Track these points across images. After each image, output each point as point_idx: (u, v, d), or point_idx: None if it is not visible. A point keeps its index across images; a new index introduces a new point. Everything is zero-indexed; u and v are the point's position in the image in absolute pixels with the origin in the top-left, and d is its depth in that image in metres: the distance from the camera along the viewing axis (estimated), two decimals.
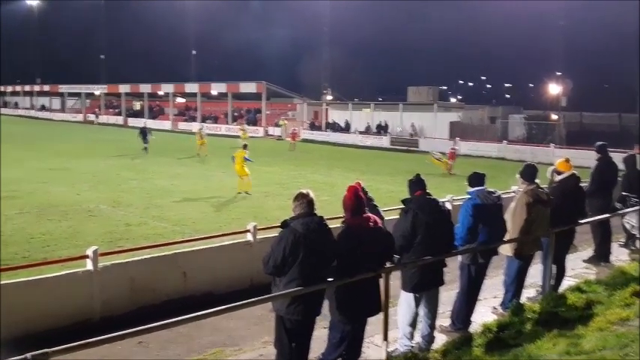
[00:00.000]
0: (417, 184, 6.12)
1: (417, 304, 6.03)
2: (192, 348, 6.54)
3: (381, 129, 46.18)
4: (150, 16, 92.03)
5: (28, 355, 3.55)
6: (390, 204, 9.97)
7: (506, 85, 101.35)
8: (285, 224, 5.09)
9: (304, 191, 5.21)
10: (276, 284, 5.10)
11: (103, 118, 65.04)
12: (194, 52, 77.63)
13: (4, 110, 79.69)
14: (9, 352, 3.73)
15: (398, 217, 6.15)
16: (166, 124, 55.95)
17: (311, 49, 73.25)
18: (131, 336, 4.27)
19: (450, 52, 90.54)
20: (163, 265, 8.19)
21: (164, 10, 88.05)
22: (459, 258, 6.75)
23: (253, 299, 4.87)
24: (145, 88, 63.67)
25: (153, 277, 8.04)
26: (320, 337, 5.61)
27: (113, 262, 7.88)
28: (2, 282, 6.96)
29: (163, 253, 8.45)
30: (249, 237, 8.97)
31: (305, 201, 5.13)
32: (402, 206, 6.06)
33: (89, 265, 7.50)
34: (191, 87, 59.39)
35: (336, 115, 50.96)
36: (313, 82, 64.79)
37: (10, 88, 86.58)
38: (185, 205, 16.30)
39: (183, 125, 55.61)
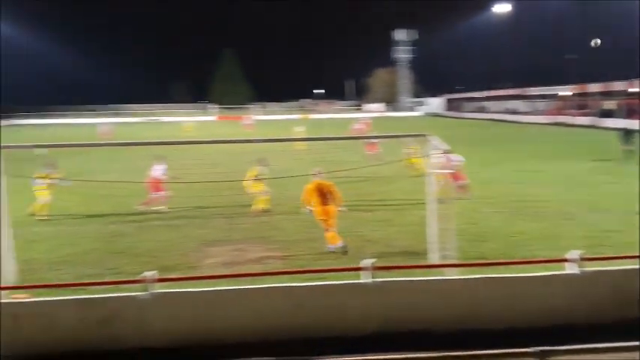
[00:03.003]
0: None
1: None
2: None
3: None
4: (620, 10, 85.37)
5: (530, 349, 3.56)
6: None
7: None
8: None
9: None
10: None
11: (572, 119, 63.61)
12: None
13: (478, 115, 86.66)
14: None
15: None
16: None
17: None
18: None
19: None
20: None
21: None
22: None
23: None
24: (617, 86, 59.49)
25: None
26: None
27: (596, 268, 7.53)
28: (488, 275, 7.47)
29: None
30: None
31: None
32: None
33: (572, 268, 7.37)
34: None
35: None
36: None
37: (484, 94, 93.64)
38: None
39: None
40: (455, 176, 16.34)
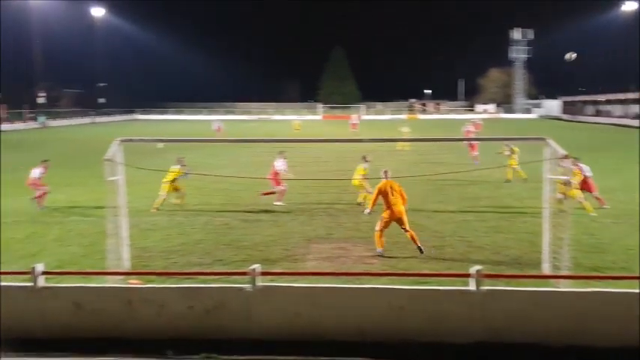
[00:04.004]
0: None
1: None
2: None
3: None
4: None
5: None
6: None
7: None
8: None
9: None
10: None
11: None
12: None
13: (598, 119, 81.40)
14: None
15: None
16: None
17: None
18: None
19: None
20: None
21: None
22: None
23: None
24: None
25: None
26: None
27: None
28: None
29: None
30: None
31: None
32: None
33: None
34: None
35: None
36: None
37: (605, 97, 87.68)
38: None
39: None
40: (587, 187, 15.59)
